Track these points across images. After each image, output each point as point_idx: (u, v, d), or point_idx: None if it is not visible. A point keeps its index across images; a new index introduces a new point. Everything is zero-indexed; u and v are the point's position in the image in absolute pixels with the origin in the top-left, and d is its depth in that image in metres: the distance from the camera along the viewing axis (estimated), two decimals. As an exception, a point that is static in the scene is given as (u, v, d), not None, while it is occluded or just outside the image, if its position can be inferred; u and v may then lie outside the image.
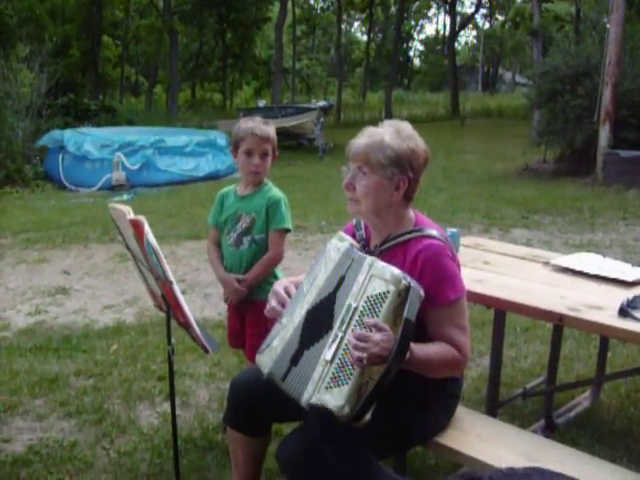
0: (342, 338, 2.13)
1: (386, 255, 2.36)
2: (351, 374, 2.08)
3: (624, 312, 2.52)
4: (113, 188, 12.85)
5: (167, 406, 3.89)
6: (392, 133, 2.32)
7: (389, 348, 2.04)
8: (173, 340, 2.23)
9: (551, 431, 3.42)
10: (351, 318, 2.13)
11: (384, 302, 2.09)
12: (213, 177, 14.27)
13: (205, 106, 34.92)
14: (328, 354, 2.14)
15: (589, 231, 8.52)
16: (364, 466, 2.27)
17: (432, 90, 52.48)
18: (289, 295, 2.43)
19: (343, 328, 2.14)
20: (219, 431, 3.54)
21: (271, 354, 2.34)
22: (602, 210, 9.74)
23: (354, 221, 2.60)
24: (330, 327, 2.19)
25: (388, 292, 2.08)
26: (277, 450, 2.34)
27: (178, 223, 9.36)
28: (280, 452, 2.32)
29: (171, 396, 2.30)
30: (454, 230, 3.36)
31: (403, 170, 2.30)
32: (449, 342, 2.28)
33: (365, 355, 2.02)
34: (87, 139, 13.69)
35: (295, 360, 2.26)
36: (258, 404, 2.56)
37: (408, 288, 2.08)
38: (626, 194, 10.93)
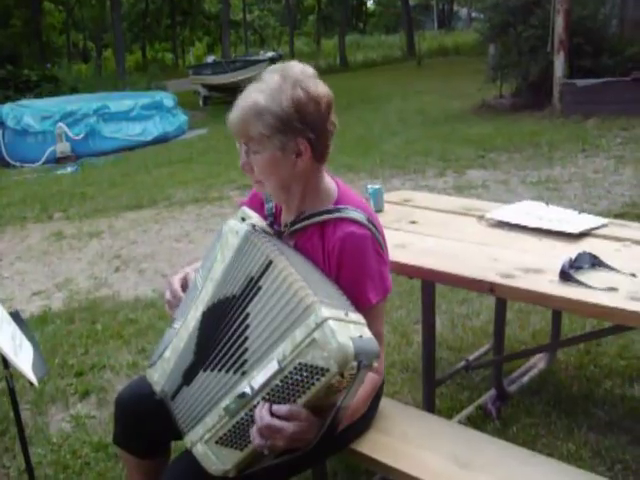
0: (252, 398, 1.61)
1: (300, 237, 1.92)
2: (249, 443, 1.64)
3: (565, 275, 2.11)
4: (58, 160, 12.37)
5: (81, 407, 3.52)
6: (267, 91, 1.78)
7: (305, 439, 1.61)
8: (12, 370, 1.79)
9: (503, 401, 3.08)
10: (270, 380, 1.58)
11: (318, 380, 1.53)
12: (162, 140, 13.83)
13: (152, 67, 33.82)
14: (230, 405, 1.65)
15: (547, 166, 8.14)
16: None
17: (388, 32, 51.53)
18: (183, 289, 1.98)
19: (257, 386, 1.60)
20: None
21: (164, 367, 1.85)
22: (560, 143, 9.35)
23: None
24: (241, 365, 1.64)
25: (327, 371, 1.51)
26: (163, 474, 1.95)
27: (120, 193, 8.92)
28: (166, 477, 1.93)
29: (21, 437, 1.87)
30: (377, 187, 2.97)
31: (296, 133, 1.79)
32: None
33: (269, 444, 1.58)
34: (26, 112, 13.10)
35: (188, 378, 1.79)
36: (150, 422, 2.10)
37: (355, 375, 1.55)
38: (584, 124, 10.55)
